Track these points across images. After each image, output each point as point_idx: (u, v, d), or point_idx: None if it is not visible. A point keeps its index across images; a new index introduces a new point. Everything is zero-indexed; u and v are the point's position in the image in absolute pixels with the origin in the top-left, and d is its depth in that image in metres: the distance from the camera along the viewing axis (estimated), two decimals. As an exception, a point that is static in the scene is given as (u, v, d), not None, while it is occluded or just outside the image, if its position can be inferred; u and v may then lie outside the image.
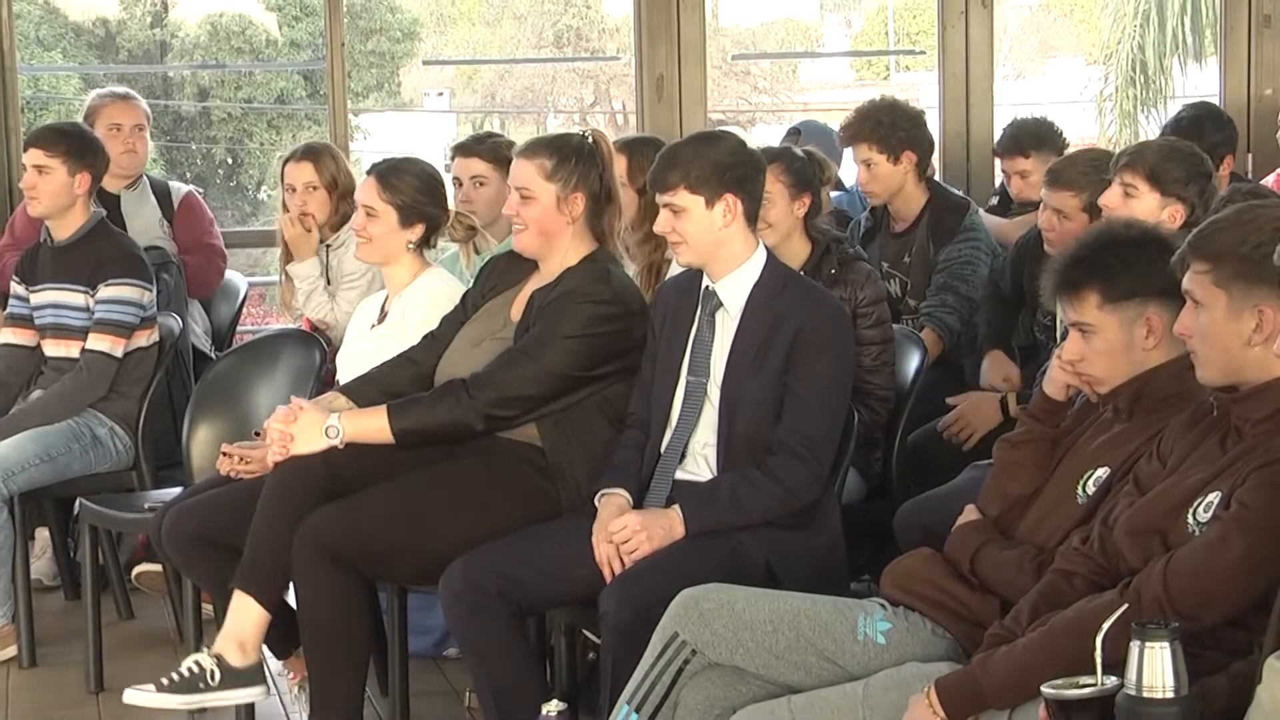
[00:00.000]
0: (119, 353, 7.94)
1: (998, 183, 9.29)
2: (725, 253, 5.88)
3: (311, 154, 8.50)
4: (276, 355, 7.97)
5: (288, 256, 8.43)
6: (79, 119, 9.30)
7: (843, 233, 7.78)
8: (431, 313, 7.12)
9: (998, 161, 8.80)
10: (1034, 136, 8.58)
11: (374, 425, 6.19)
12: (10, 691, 7.65)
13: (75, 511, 7.98)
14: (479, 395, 6.08)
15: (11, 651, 7.84)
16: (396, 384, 6.51)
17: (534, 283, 6.30)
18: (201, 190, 9.30)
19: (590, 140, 6.22)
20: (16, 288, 8.35)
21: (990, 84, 10.01)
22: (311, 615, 6.25)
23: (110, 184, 9.05)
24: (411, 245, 7.17)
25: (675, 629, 4.86)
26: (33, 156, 7.83)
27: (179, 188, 9.15)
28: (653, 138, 8.04)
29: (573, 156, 6.10)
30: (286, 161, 8.54)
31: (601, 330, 6.09)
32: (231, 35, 11.60)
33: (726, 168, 5.86)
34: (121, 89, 9.48)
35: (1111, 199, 6.47)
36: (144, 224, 9.13)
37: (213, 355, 8.89)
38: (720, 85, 9.29)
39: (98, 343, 7.83)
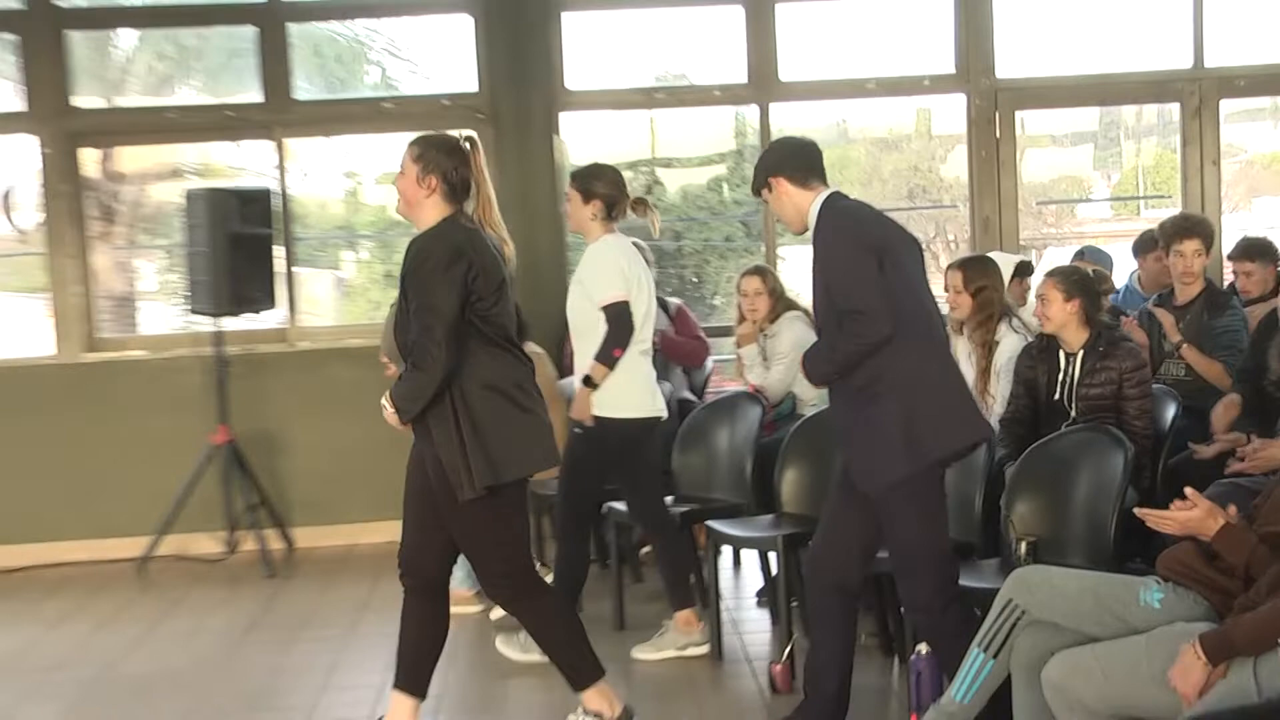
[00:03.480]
0: None
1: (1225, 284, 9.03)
2: None
3: (759, 271, 8.53)
4: (734, 407, 7.89)
5: (740, 343, 8.47)
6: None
7: (1115, 322, 7.68)
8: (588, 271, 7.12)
9: (1228, 264, 8.56)
10: (1260, 248, 8.27)
11: None
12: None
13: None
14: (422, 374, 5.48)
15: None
16: None
17: None
18: (680, 301, 9.39)
19: (458, 140, 5.77)
20: None
21: (1219, 218, 9.85)
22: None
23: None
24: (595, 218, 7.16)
25: (1010, 596, 4.84)
26: None
27: (672, 302, 9.15)
28: (982, 255, 8.07)
29: (428, 149, 5.66)
30: (743, 276, 8.52)
31: (447, 270, 5.47)
32: (696, 198, 11.85)
33: None
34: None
35: None
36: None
37: (695, 401, 8.79)
38: (1024, 222, 9.42)
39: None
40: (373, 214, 14.15)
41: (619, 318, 6.98)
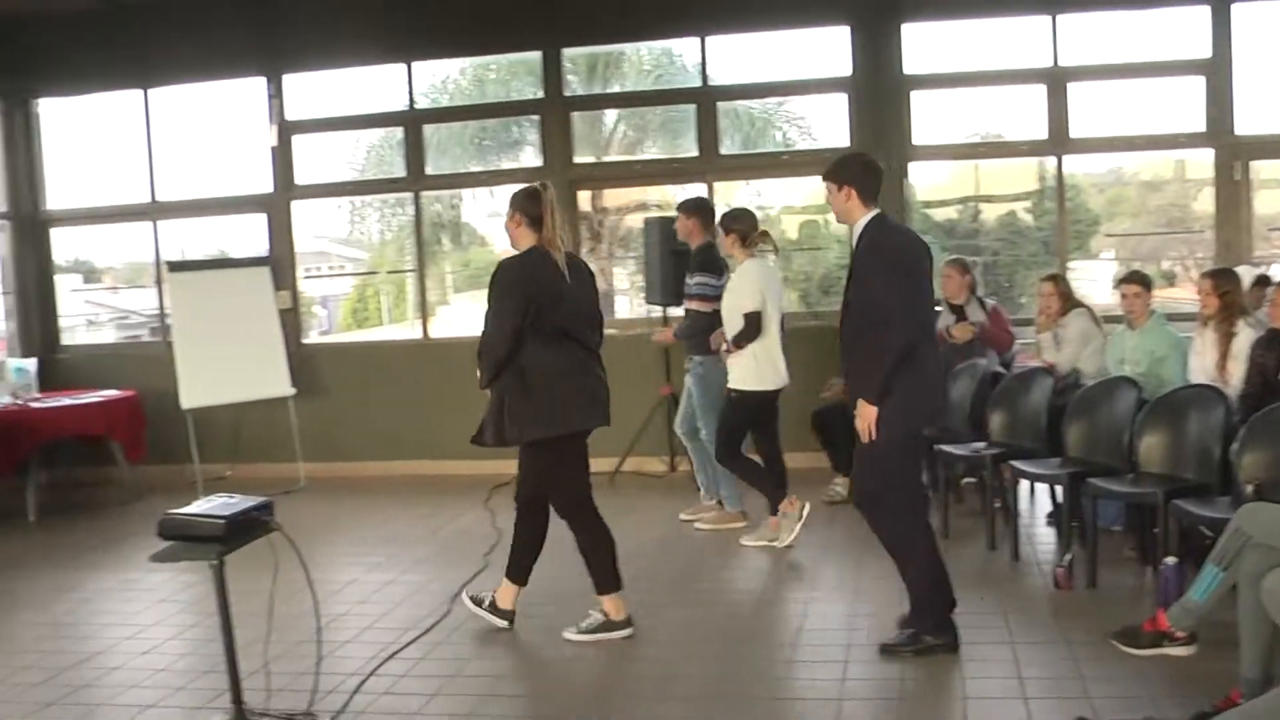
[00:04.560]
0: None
1: None
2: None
3: (1054, 278, 8.24)
4: (1032, 378, 7.56)
5: (1039, 330, 8.20)
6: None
7: None
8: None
9: None
10: None
11: None
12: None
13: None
14: (490, 352, 5.61)
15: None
16: None
17: None
18: (995, 301, 9.18)
19: (539, 187, 5.71)
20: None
21: None
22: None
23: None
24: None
25: (1239, 524, 4.65)
26: None
27: (989, 301, 8.88)
28: (1228, 268, 7.61)
29: (517, 197, 5.68)
30: (1042, 281, 8.29)
31: (511, 289, 5.56)
32: (1008, 224, 11.25)
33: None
34: (954, 257, 9.17)
35: None
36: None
37: (1004, 373, 8.12)
38: (1256, 244, 8.90)
39: None
40: (776, 235, 14.21)
41: (751, 322, 7.39)
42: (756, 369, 7.49)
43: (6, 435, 9.29)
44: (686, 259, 9.35)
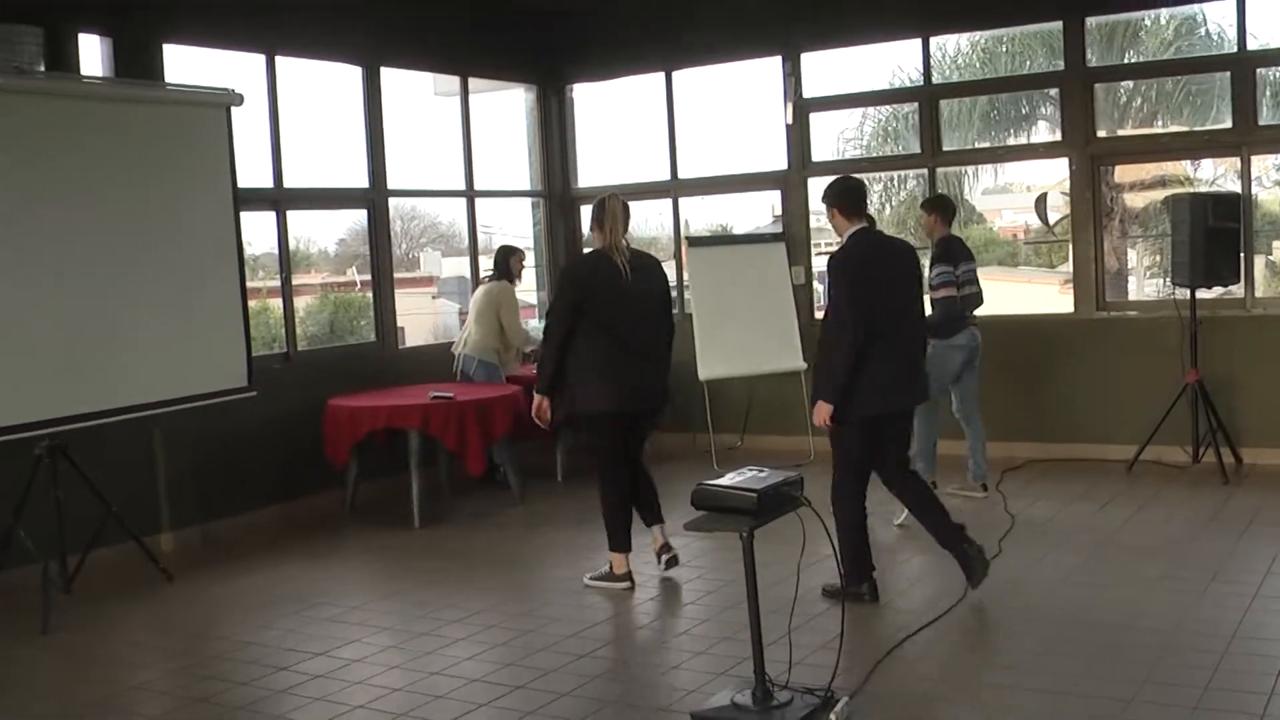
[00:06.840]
0: None
1: None
2: None
3: None
4: None
5: None
6: None
7: None
8: None
9: None
10: None
11: None
12: None
13: None
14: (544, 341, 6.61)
15: None
16: None
17: None
18: None
19: (604, 198, 6.45)
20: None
21: None
22: None
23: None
24: None
25: None
26: None
27: None
28: None
29: (594, 207, 6.50)
30: None
31: (564, 290, 6.44)
32: None
33: None
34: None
35: None
36: None
37: None
38: None
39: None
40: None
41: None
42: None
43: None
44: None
